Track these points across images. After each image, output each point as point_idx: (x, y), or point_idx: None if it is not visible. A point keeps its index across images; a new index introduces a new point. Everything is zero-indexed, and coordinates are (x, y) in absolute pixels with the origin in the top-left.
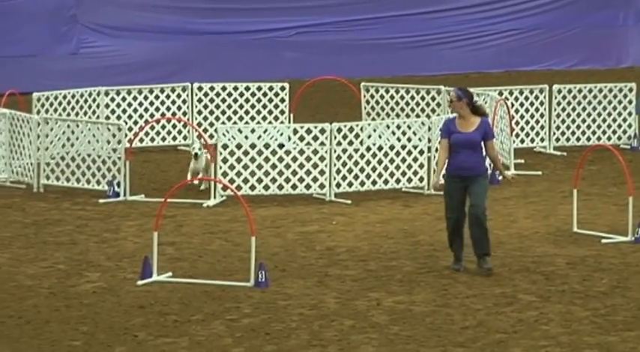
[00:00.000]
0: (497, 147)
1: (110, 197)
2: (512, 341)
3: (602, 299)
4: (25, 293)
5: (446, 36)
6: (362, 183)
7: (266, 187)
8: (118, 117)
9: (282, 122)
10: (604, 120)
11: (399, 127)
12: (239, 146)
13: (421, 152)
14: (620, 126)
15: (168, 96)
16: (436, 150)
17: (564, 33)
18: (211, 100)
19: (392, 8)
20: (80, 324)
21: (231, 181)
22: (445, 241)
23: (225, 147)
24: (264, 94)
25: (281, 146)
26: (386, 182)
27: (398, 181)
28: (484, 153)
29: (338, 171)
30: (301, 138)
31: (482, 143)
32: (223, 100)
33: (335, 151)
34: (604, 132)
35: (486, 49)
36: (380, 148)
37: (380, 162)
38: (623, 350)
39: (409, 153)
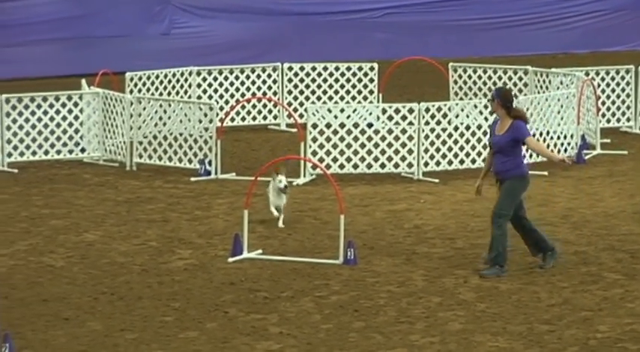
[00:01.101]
0: (584, 126)
1: (202, 175)
2: (598, 319)
3: None
4: (118, 270)
5: (533, 17)
6: (449, 162)
7: (355, 166)
8: (210, 97)
9: (371, 102)
10: None
11: (486, 107)
12: (328, 125)
13: None
14: None
15: (258, 76)
16: None
17: None
18: (301, 80)
19: None
20: (172, 300)
21: (321, 160)
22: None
23: (314, 126)
24: (354, 74)
25: (370, 125)
26: (473, 161)
27: (484, 160)
28: (519, 155)
29: (426, 151)
30: (390, 118)
31: (516, 145)
32: (313, 80)
33: (423, 131)
34: None
35: (573, 30)
36: (467, 128)
37: (467, 141)
38: None
39: None
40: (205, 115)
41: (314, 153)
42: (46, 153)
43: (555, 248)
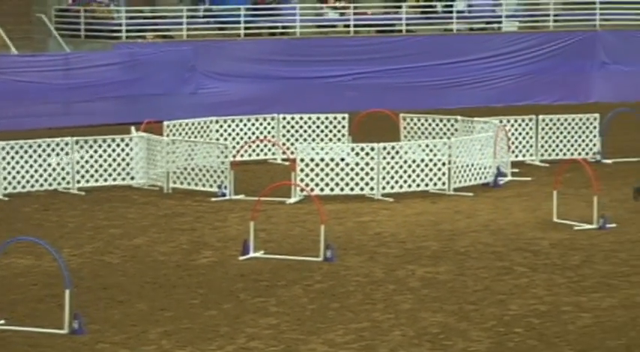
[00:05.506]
0: (499, 160)
1: (219, 196)
2: (510, 301)
3: (575, 270)
4: (159, 266)
5: (464, 79)
6: (400, 186)
7: (332, 189)
8: (225, 139)
9: (343, 142)
10: (576, 141)
11: (436, 146)
12: (312, 159)
13: None
14: (587, 145)
15: (261, 124)
16: None
17: (548, 77)
18: (292, 126)
19: (423, 59)
20: (198, 288)
21: (307, 185)
22: None
23: (302, 160)
24: (330, 122)
25: (343, 159)
26: (417, 185)
27: None
28: None
29: (383, 178)
30: (357, 154)
31: None
32: (301, 126)
33: (381, 163)
34: (576, 149)
35: (492, 89)
36: (413, 161)
37: (414, 170)
38: (590, 307)
39: None
40: (222, 152)
41: (302, 180)
42: (105, 180)
43: None
